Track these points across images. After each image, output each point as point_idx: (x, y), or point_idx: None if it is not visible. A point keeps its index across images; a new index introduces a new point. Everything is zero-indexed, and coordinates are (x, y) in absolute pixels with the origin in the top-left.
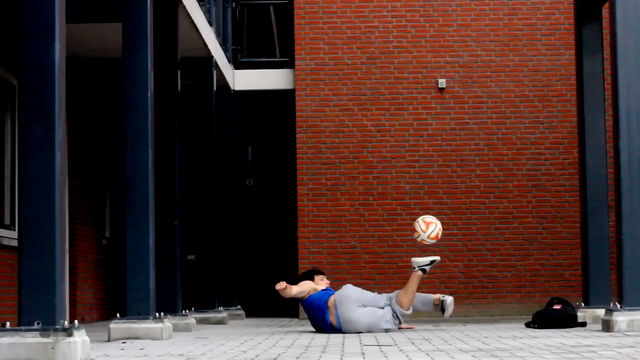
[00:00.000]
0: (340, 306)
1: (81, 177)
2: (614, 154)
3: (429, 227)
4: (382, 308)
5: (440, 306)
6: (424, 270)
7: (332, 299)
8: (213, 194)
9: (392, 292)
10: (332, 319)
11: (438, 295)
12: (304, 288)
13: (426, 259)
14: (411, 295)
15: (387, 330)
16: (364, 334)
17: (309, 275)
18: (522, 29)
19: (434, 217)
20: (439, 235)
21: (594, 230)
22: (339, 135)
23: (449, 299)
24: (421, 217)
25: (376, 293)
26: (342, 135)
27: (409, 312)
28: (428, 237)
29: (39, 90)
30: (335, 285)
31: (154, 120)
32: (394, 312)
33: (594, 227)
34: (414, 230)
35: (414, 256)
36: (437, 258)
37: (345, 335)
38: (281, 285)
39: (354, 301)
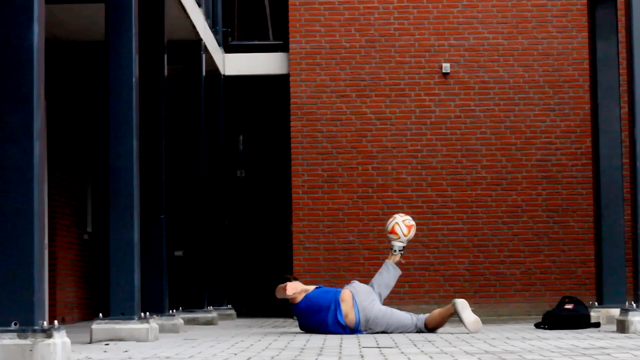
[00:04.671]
0: (358, 295)
1: (61, 168)
2: (629, 143)
3: (410, 231)
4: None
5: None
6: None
7: (345, 291)
8: (202, 186)
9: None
10: (349, 311)
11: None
12: (296, 289)
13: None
14: (442, 319)
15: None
16: (363, 335)
17: (284, 282)
18: (532, 10)
19: (409, 217)
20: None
21: (608, 224)
22: (336, 124)
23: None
24: (399, 218)
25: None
26: (340, 123)
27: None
28: (407, 239)
29: (16, 75)
30: (332, 284)
31: (139, 107)
32: (418, 328)
33: (608, 221)
34: (394, 233)
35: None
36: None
37: (343, 337)
38: (291, 290)
39: (369, 291)
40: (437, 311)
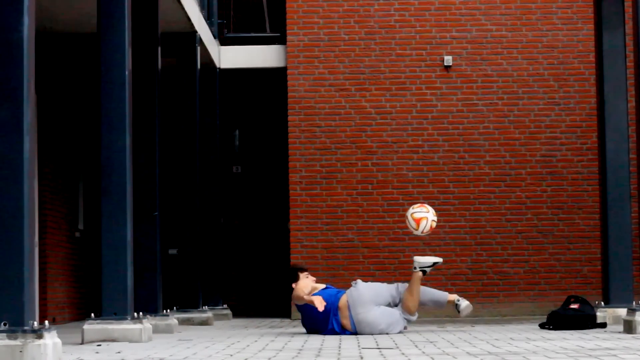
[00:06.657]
0: (354, 308)
1: (52, 163)
2: (636, 138)
3: (419, 224)
4: (395, 306)
5: (455, 308)
6: (424, 272)
7: (343, 300)
8: (197, 183)
9: (398, 282)
10: (344, 321)
11: (454, 297)
12: (307, 287)
13: (428, 260)
14: (416, 298)
15: (400, 332)
16: (363, 335)
17: (293, 274)
18: (536, 1)
19: (422, 209)
20: (434, 227)
21: (614, 222)
22: (335, 118)
23: (464, 304)
24: (410, 211)
25: (386, 283)
26: (339, 117)
27: (415, 317)
28: (422, 233)
29: (5, 68)
30: (332, 283)
31: (132, 101)
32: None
33: (615, 218)
34: (407, 226)
35: (417, 253)
36: (439, 260)
37: (342, 337)
38: (321, 304)
39: (369, 301)
40: (419, 295)
